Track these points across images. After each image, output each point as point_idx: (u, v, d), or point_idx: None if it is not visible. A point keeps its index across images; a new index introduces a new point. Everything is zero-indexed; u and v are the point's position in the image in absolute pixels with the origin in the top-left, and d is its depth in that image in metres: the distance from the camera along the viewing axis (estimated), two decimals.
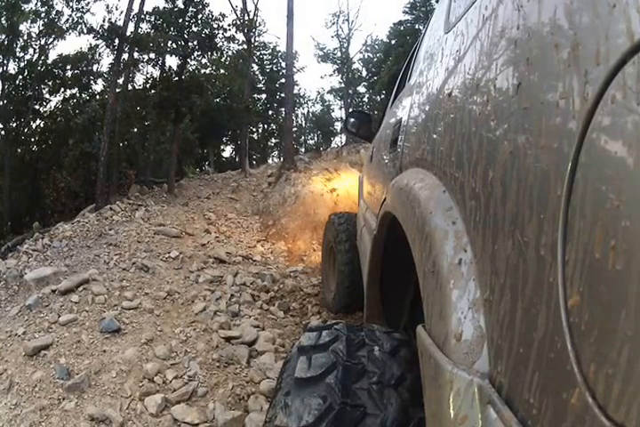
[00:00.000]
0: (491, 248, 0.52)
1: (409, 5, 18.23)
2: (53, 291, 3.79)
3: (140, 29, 8.98)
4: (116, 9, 9.61)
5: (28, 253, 5.02)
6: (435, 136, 0.88)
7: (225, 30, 9.73)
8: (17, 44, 10.52)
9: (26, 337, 3.18)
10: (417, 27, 17.13)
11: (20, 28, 10.43)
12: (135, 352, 2.91)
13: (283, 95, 16.61)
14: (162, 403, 2.44)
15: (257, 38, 14.83)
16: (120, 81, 8.85)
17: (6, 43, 10.11)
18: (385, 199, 1.27)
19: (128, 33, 8.44)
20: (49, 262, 4.68)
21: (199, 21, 9.24)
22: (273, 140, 24.35)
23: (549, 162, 0.40)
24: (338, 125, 26.33)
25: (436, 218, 0.70)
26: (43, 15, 10.55)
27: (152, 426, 2.31)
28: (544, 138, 0.41)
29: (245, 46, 12.08)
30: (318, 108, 28.04)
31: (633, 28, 0.30)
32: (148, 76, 10.35)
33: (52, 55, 13.90)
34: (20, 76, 10.83)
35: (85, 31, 8.78)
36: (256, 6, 12.74)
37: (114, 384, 2.63)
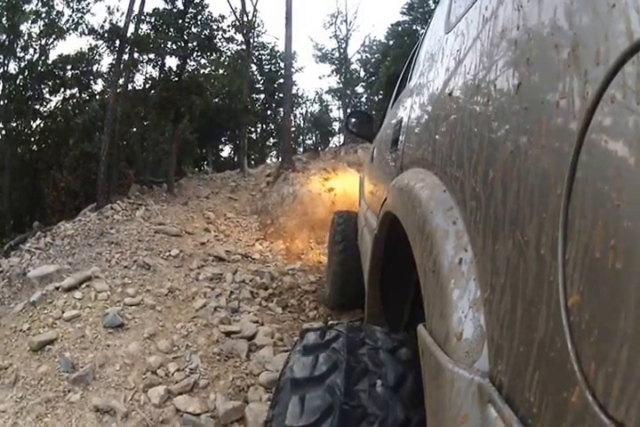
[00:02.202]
0: (491, 248, 0.52)
1: (407, 6, 18.29)
2: (57, 288, 3.85)
3: (140, 30, 9.04)
4: (117, 10, 9.71)
5: (31, 252, 5.10)
6: (435, 136, 0.88)
7: (224, 31, 9.79)
8: (17, 45, 10.59)
9: (30, 333, 3.24)
10: (415, 27, 17.15)
11: (21, 29, 10.51)
12: (138, 346, 2.99)
13: (281, 95, 16.63)
14: (164, 394, 2.52)
15: (256, 39, 14.93)
16: (120, 81, 8.91)
17: (7, 43, 10.17)
18: (386, 199, 1.26)
19: (128, 34, 8.51)
20: (52, 260, 4.75)
21: (199, 22, 9.30)
22: (271, 140, 24.41)
23: (550, 161, 0.40)
24: (336, 125, 26.38)
25: (437, 218, 0.70)
26: (43, 15, 10.63)
27: (155, 416, 2.39)
28: (544, 137, 0.41)
29: (244, 47, 12.15)
30: (316, 108, 28.02)
31: (632, 28, 0.31)
32: (148, 76, 10.44)
33: (53, 55, 13.96)
34: (21, 76, 10.88)
35: (87, 32, 8.85)
36: (255, 7, 12.86)
37: (118, 377, 2.71)
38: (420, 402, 0.68)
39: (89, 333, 3.17)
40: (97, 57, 11.84)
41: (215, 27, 9.59)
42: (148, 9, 9.46)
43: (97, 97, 12.18)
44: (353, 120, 3.15)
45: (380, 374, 0.81)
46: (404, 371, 0.81)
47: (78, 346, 3.03)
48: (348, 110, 20.56)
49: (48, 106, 11.78)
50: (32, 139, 11.68)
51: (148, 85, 10.26)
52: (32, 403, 2.53)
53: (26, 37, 10.77)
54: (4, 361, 2.92)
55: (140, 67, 10.22)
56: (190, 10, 9.24)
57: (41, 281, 4.11)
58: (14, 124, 10.89)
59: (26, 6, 10.34)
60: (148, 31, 9.31)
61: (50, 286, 3.90)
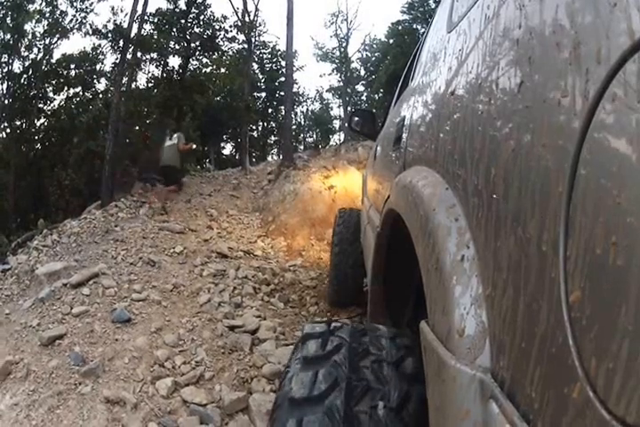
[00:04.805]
0: (493, 245, 0.52)
1: (407, 5, 18.26)
2: (65, 284, 3.91)
3: (143, 30, 9.10)
4: (121, 11, 9.76)
5: (38, 249, 5.16)
6: (438, 134, 0.88)
7: (226, 31, 9.87)
8: (22, 44, 10.63)
9: (40, 328, 3.30)
10: (415, 26, 17.14)
11: (25, 28, 10.56)
12: (145, 340, 3.07)
13: (282, 94, 16.61)
14: (172, 386, 2.60)
15: (257, 38, 14.90)
16: (123, 80, 8.98)
17: (11, 42, 10.23)
18: (388, 196, 1.26)
19: (132, 34, 8.56)
20: (59, 257, 4.79)
21: (201, 22, 9.37)
22: (272, 138, 24.39)
23: (551, 159, 0.40)
24: (336, 123, 26.48)
25: (439, 215, 0.70)
26: (47, 15, 10.68)
27: (163, 407, 2.47)
28: (546, 135, 0.41)
29: (246, 46, 12.19)
30: (317, 106, 28.09)
31: (633, 27, 0.31)
32: (151, 75, 10.51)
33: (57, 55, 14.02)
34: (25, 75, 10.92)
35: (90, 32, 8.93)
36: (256, 7, 12.86)
37: (127, 370, 2.78)
38: (422, 424, 0.66)
39: (98, 327, 3.23)
40: (100, 56, 11.92)
41: (217, 27, 9.67)
42: (151, 9, 9.55)
43: (100, 96, 12.25)
44: (356, 119, 3.14)
45: (382, 393, 0.78)
46: (408, 389, 0.78)
47: (87, 340, 3.09)
48: (349, 109, 20.60)
49: (52, 105, 11.88)
50: (36, 137, 11.71)
51: (150, 84, 10.36)
52: (44, 396, 2.59)
53: (30, 37, 10.84)
54: (15, 356, 2.98)
55: (142, 66, 10.29)
56: (193, 10, 9.30)
57: (49, 278, 4.15)
58: (19, 123, 10.98)
59: (30, 6, 10.40)
60: (151, 31, 9.40)
61: (58, 283, 3.96)
